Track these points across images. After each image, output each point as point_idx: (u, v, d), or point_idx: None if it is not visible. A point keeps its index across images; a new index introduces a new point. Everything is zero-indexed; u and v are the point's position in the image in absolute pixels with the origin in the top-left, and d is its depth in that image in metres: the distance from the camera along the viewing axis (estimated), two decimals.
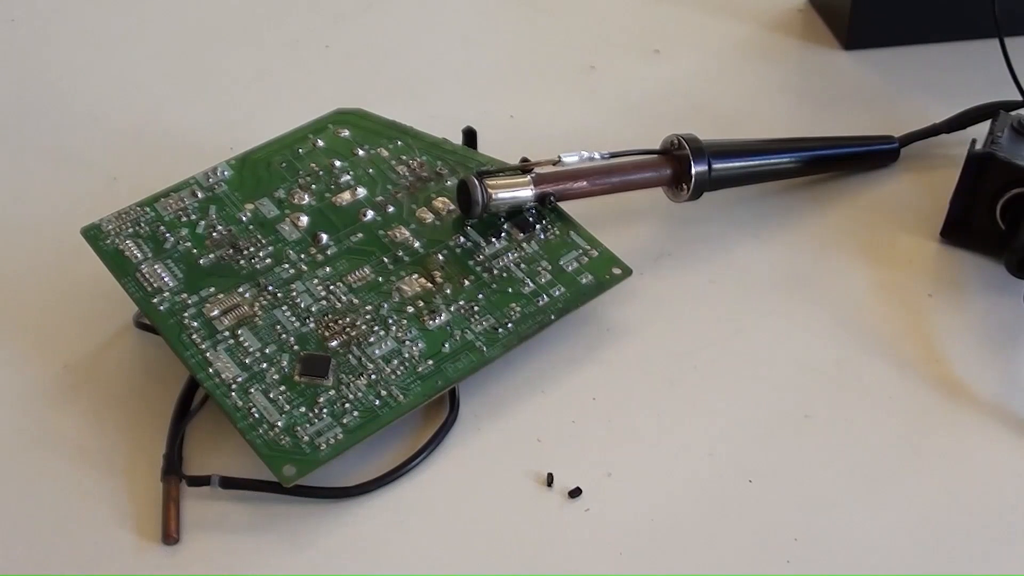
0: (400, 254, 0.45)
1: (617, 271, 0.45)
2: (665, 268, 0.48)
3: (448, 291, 0.44)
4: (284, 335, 0.42)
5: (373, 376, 0.41)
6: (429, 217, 0.46)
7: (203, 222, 0.45)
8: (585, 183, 0.47)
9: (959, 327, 0.45)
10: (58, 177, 0.52)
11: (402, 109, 0.51)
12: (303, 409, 0.40)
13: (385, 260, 0.44)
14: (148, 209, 0.45)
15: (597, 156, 0.47)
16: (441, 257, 0.45)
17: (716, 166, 0.48)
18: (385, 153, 0.48)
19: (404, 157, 0.48)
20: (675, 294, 0.47)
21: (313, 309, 0.43)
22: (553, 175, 0.46)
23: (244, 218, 0.45)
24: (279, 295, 0.43)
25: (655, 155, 0.48)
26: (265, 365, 0.41)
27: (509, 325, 0.43)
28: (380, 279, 0.44)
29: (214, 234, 0.45)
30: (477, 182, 0.45)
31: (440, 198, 0.47)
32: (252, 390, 0.40)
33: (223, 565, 0.38)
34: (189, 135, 0.54)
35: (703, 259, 0.48)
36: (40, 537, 0.39)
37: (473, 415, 0.42)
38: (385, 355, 0.42)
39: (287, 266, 0.44)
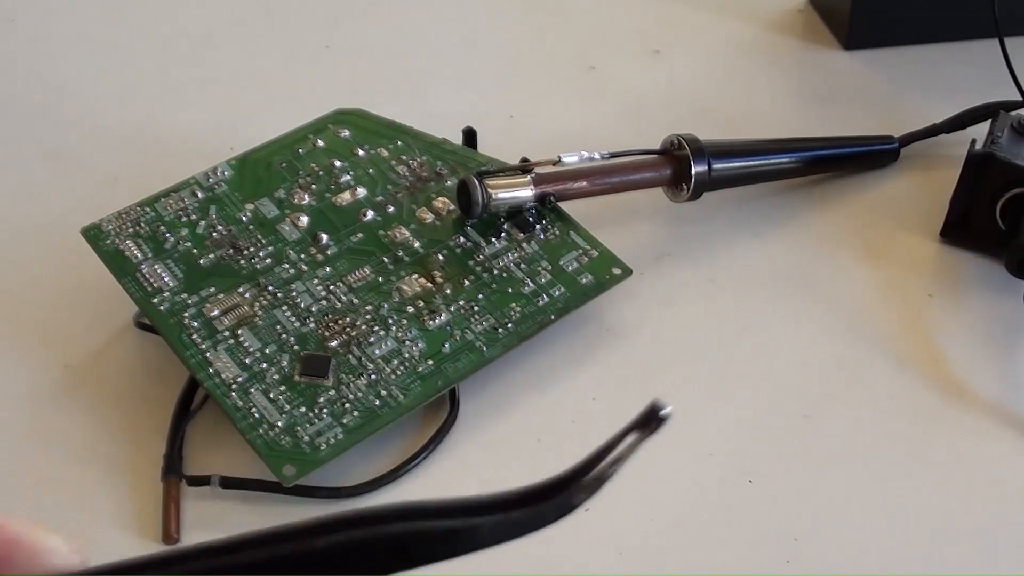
0: (400, 254, 0.45)
1: (617, 271, 0.45)
2: (665, 268, 0.48)
3: (448, 291, 0.44)
4: (284, 335, 0.42)
5: (373, 376, 0.41)
6: (429, 217, 0.46)
7: (203, 222, 0.45)
8: (585, 183, 0.47)
9: (959, 327, 0.45)
10: (58, 177, 0.52)
11: (402, 109, 0.51)
12: (303, 409, 0.40)
13: (385, 260, 0.44)
14: (148, 209, 0.45)
15: (597, 156, 0.47)
16: (441, 257, 0.45)
17: (716, 166, 0.48)
18: (385, 153, 0.48)
19: (404, 157, 0.48)
20: (675, 294, 0.47)
21: (313, 309, 0.43)
22: (553, 175, 0.46)
23: (244, 218, 0.45)
24: (279, 295, 0.43)
25: (655, 155, 0.48)
26: (265, 365, 0.41)
27: (509, 325, 0.43)
28: (380, 279, 0.44)
29: (214, 234, 0.45)
30: (477, 182, 0.45)
31: (440, 198, 0.47)
32: (252, 390, 0.40)
33: None
34: (189, 135, 0.54)
35: (703, 259, 0.48)
36: None
37: (473, 415, 0.42)
38: (385, 355, 0.42)
39: (287, 266, 0.44)
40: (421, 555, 0.21)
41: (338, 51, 0.60)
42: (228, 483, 0.39)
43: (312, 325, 0.42)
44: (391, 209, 0.46)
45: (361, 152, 0.48)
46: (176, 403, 0.42)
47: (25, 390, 0.43)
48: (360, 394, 0.40)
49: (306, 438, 0.39)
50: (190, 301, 0.43)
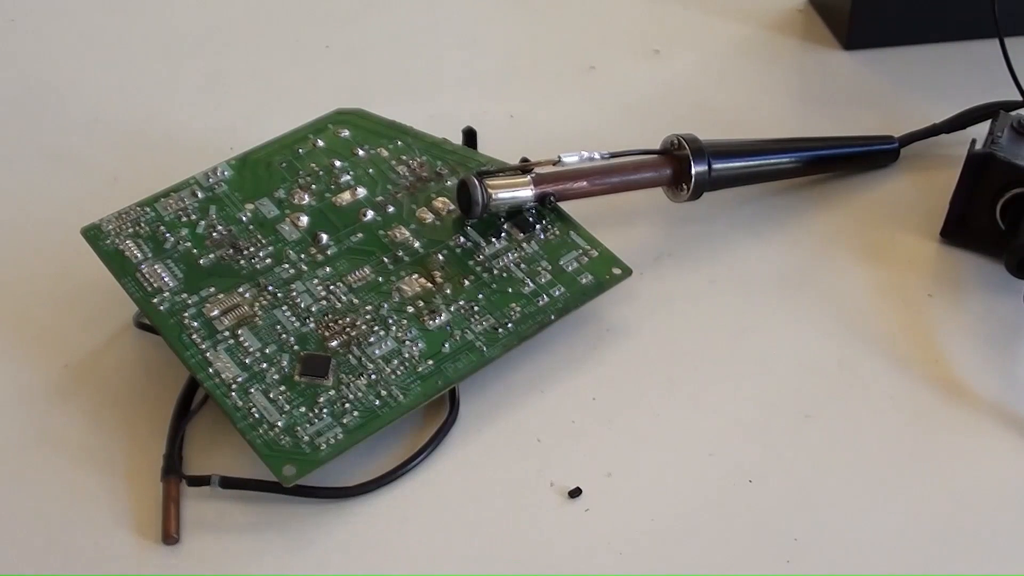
0: (400, 254, 0.45)
1: (617, 271, 0.45)
2: (665, 268, 0.48)
3: (448, 291, 0.44)
4: (284, 335, 0.42)
5: (373, 376, 0.41)
6: (429, 217, 0.46)
7: (203, 222, 0.45)
8: (585, 183, 0.47)
9: (959, 327, 0.45)
10: (58, 177, 0.52)
11: (402, 109, 0.51)
12: (303, 409, 0.40)
13: (385, 260, 0.44)
14: (148, 209, 0.45)
15: (597, 156, 0.47)
16: (441, 257, 0.45)
17: (716, 166, 0.48)
18: (385, 153, 0.48)
19: (404, 157, 0.48)
20: (675, 294, 0.47)
21: (313, 309, 0.43)
22: (553, 175, 0.46)
23: (244, 218, 0.45)
24: (279, 295, 0.43)
25: (655, 155, 0.48)
26: (265, 365, 0.41)
27: (509, 325, 0.43)
28: (380, 279, 0.44)
29: (214, 234, 0.45)
30: (477, 182, 0.45)
31: (440, 198, 0.47)
32: (252, 390, 0.40)
33: (223, 565, 0.38)
34: (189, 135, 0.54)
35: (703, 259, 0.48)
36: (40, 537, 0.39)
37: (473, 415, 0.42)
38: (385, 355, 0.42)
39: (287, 266, 0.44)
40: None
41: (338, 51, 0.60)
42: (228, 483, 0.39)
43: (312, 325, 0.42)
44: (391, 209, 0.46)
45: (361, 152, 0.48)
46: (176, 403, 0.42)
47: (25, 390, 0.43)
48: (360, 394, 0.40)
49: (306, 438, 0.39)
50: (190, 301, 0.43)
